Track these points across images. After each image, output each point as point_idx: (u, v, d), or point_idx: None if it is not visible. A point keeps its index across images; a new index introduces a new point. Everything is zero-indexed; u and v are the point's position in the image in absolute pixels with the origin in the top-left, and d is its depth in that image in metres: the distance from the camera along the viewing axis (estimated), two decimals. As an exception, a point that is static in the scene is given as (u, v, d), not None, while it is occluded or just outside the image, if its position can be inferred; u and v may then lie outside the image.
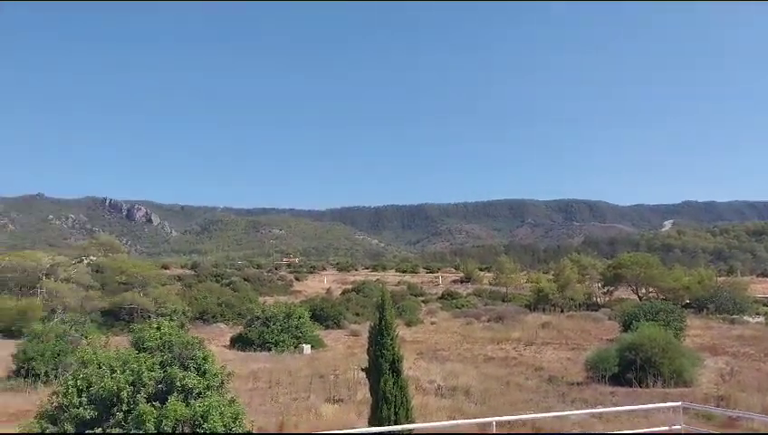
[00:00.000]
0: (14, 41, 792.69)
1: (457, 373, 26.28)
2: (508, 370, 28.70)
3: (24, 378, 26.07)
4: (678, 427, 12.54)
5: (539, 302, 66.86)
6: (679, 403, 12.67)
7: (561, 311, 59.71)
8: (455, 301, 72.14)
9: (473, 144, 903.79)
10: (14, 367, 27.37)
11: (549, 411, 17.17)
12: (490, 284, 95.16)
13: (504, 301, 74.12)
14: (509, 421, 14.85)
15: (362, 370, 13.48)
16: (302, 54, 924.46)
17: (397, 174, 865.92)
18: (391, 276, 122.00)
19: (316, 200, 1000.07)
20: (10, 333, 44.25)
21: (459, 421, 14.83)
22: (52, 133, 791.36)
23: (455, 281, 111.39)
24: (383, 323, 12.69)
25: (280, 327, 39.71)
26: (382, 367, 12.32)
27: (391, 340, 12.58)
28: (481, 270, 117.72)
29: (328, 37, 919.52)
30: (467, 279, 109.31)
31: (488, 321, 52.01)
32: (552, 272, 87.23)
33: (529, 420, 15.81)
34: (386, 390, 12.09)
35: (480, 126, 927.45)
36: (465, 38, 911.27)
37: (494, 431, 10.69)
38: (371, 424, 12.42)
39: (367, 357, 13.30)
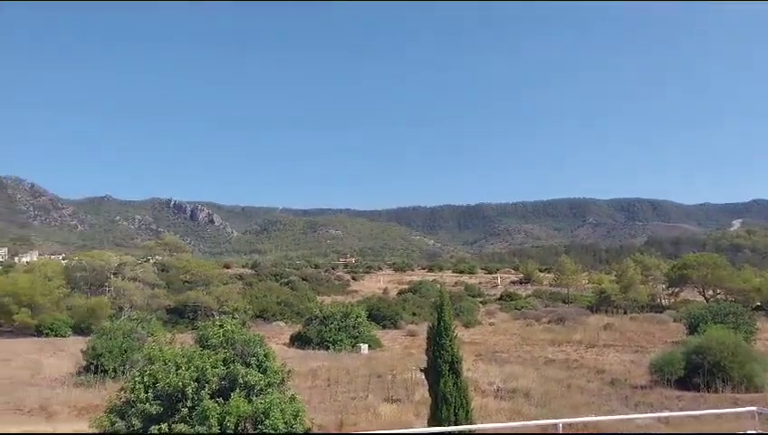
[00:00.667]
0: (84, 47, 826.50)
1: (517, 375, 25.94)
2: (569, 372, 28.16)
3: (94, 374, 27.04)
4: (753, 432, 12.01)
5: (601, 303, 65.38)
6: (753, 408, 12.11)
7: (624, 312, 58.22)
8: (514, 302, 71.27)
9: (531, 142, 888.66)
10: (84, 363, 28.44)
11: (612, 415, 16.77)
12: (550, 285, 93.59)
13: (564, 302, 72.76)
14: (574, 423, 14.54)
15: (421, 370, 13.43)
16: (359, 56, 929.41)
17: (453, 173, 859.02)
18: (448, 277, 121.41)
19: (372, 200, 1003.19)
20: (81, 330, 46.09)
21: (524, 423, 14.62)
22: (119, 138, 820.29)
23: (513, 282, 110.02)
24: (442, 323, 12.61)
25: (337, 326, 40.06)
26: (441, 368, 12.25)
27: (450, 341, 12.49)
28: (541, 271, 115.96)
29: (379, 38, 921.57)
30: (527, 280, 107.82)
31: (548, 322, 51.15)
32: (615, 273, 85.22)
33: (593, 423, 15.43)
34: (445, 391, 12.01)
35: (538, 123, 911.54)
36: (516, 39, 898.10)
37: (560, 432, 10.45)
38: (431, 425, 12.36)
39: (425, 358, 13.24)
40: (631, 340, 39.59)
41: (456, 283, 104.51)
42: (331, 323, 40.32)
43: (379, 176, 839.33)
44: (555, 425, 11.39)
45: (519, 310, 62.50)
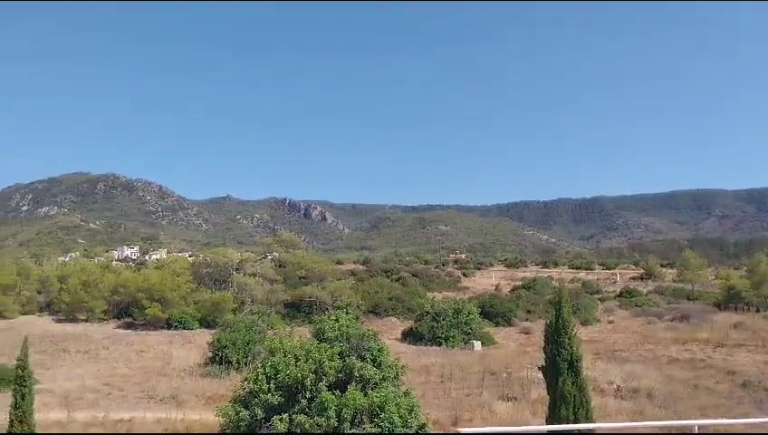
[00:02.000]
0: (205, 55, 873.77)
1: (638, 375, 24.76)
2: (695, 373, 26.53)
3: (219, 365, 28.50)
4: None
5: (730, 300, 60.99)
6: None
7: (757, 310, 54.04)
8: (634, 299, 68.01)
9: (650, 131, 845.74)
10: (210, 354, 30.03)
11: (746, 418, 15.62)
12: (673, 281, 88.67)
13: (689, 299, 68.58)
14: (705, 426, 13.65)
15: (538, 368, 13.07)
16: (466, 51, 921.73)
17: (567, 166, 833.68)
18: (564, 273, 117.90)
19: (482, 196, 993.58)
20: (207, 323, 48.72)
21: (660, 422, 13.92)
22: (238, 141, 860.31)
23: (633, 278, 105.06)
24: (560, 320, 12.22)
25: (449, 323, 39.89)
26: (560, 366, 11.86)
27: (569, 338, 12.07)
28: (663, 266, 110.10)
29: (486, 32, 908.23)
30: (648, 276, 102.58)
31: (672, 320, 48.45)
32: (745, 268, 79.31)
33: (724, 426, 14.40)
34: (564, 389, 11.62)
35: (659, 111, 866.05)
36: (645, 23, 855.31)
37: (696, 433, 9.84)
38: (549, 424, 12.01)
39: (541, 355, 12.90)
40: (765, 339, 36.65)
41: (572, 279, 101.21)
42: (443, 319, 40.21)
43: (490, 170, 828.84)
44: (691, 426, 10.77)
45: (639, 307, 59.59)
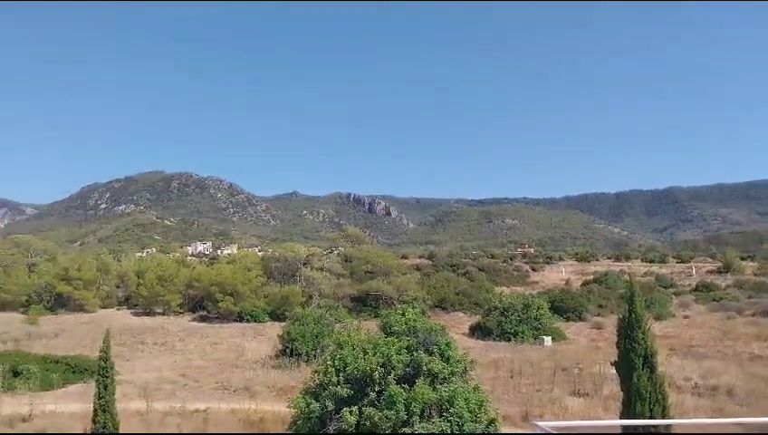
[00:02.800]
0: (279, 59, 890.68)
1: (717, 372, 23.83)
2: (780, 370, 25.28)
3: (289, 357, 29.08)
4: None
5: (817, 295, 57.88)
6: None
7: None
8: (711, 293, 65.33)
9: (725, 118, 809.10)
10: (280, 347, 30.67)
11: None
12: (754, 274, 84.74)
13: (771, 293, 65.38)
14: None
15: (611, 364, 12.77)
16: (531, 43, 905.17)
17: (639, 155, 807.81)
18: (637, 267, 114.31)
19: (550, 188, 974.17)
20: (276, 316, 49.78)
21: (740, 419, 13.40)
22: (305, 139, 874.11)
23: (710, 272, 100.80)
24: (633, 315, 11.88)
25: (518, 318, 39.42)
26: (634, 362, 11.54)
27: (643, 333, 11.73)
28: (742, 259, 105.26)
29: (564, 21, 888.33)
30: (726, 269, 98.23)
31: (753, 315, 46.37)
32: (835, 261, 75.08)
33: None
34: (639, 385, 11.31)
35: (735, 98, 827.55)
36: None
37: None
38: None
39: (613, 351, 12.60)
40: None
41: (645, 273, 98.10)
42: (512, 314, 39.76)
43: (558, 162, 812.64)
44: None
45: (717, 301, 57.23)
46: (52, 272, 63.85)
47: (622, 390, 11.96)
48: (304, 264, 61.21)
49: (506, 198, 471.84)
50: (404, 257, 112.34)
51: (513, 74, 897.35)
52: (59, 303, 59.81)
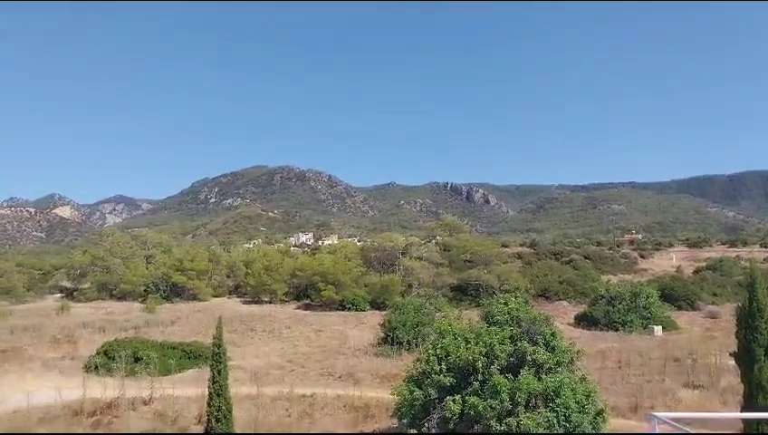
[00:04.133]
0: (374, 57, 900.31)
1: None
2: None
3: (391, 345, 29.45)
4: None
5: None
6: None
7: None
8: (842, 280, 60.26)
9: None
10: (381, 335, 31.12)
11: None
12: None
13: None
14: None
15: (730, 355, 12.07)
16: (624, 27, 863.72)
17: (756, 136, 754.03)
18: (756, 252, 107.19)
19: (658, 171, 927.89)
20: (377, 305, 50.48)
21: None
22: (402, 130, 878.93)
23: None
24: (754, 304, 11.16)
25: (626, 307, 38.01)
26: (755, 353, 10.85)
27: (765, 323, 11.00)
28: None
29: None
30: None
31: None
32: None
33: None
34: (762, 378, 10.63)
35: None
36: None
37: None
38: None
39: (732, 341, 11.90)
40: None
41: (765, 259, 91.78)
42: (619, 303, 38.40)
43: (666, 144, 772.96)
44: None
45: None
46: (168, 263, 67.74)
47: (743, 382, 11.30)
48: (403, 253, 61.61)
49: (612, 183, 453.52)
50: (504, 246, 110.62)
51: (618, 58, 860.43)
52: (174, 292, 63.34)
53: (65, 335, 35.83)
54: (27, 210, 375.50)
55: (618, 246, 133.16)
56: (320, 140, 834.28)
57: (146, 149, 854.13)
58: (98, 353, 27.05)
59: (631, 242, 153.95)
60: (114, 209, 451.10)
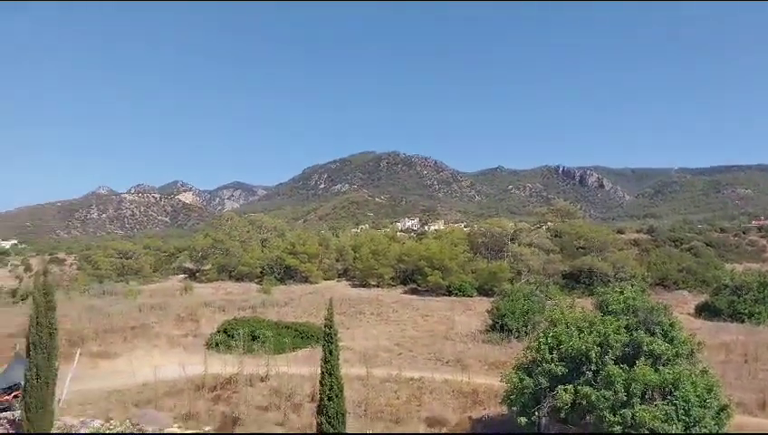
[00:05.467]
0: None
1: None
2: None
3: (499, 332, 29.15)
4: None
5: None
6: None
7: None
8: None
9: None
10: (489, 322, 30.86)
11: None
12: None
13: None
14: None
15: None
16: None
17: None
18: None
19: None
20: (484, 291, 50.11)
21: None
22: (511, 114, 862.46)
23: None
24: None
25: (753, 297, 35.64)
26: None
27: None
28: None
29: None
30: None
31: None
32: None
33: None
34: None
35: None
36: None
37: None
38: None
39: None
40: None
41: None
42: (746, 293, 36.05)
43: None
44: None
45: None
46: (282, 247, 70.48)
47: None
48: (511, 239, 60.66)
49: (738, 165, 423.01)
50: (620, 232, 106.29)
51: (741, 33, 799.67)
52: (287, 274, 65.83)
53: (188, 314, 38.13)
54: (153, 196, 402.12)
55: (744, 233, 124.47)
56: (426, 126, 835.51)
57: (261, 138, 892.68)
58: (218, 332, 28.64)
59: (759, 228, 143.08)
60: (232, 195, 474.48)
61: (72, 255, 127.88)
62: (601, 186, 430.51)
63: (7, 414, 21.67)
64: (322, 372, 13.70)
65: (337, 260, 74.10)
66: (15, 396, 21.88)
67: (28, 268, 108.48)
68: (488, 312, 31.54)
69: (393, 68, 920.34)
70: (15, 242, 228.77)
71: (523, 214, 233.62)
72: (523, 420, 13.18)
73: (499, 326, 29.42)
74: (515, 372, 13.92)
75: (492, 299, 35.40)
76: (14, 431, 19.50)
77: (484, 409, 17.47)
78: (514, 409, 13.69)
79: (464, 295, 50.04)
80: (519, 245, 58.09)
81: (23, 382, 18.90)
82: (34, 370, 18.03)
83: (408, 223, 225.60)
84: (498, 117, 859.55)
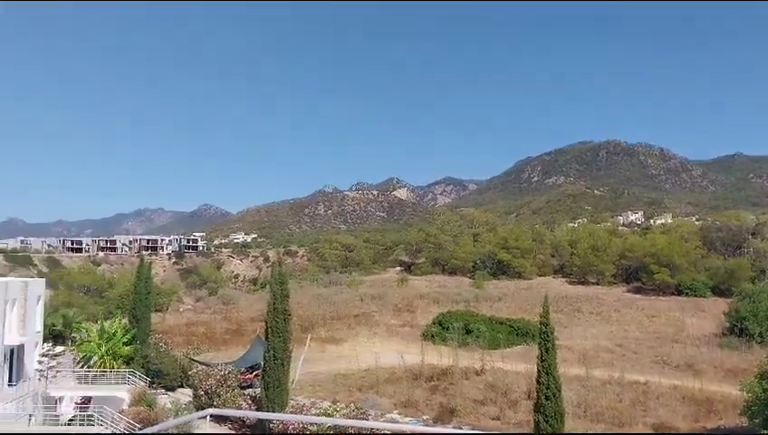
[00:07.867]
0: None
1: None
2: None
3: (738, 336, 26.39)
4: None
5: None
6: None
7: None
8: None
9: None
10: (726, 325, 28.07)
11: None
12: None
13: None
14: None
15: None
16: None
17: None
18: None
19: None
20: (720, 292, 45.56)
21: None
22: (749, 94, 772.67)
23: None
24: None
25: None
26: None
27: None
28: None
29: None
30: None
31: None
32: None
33: None
34: None
35: None
36: None
37: None
38: None
39: None
40: None
41: None
42: None
43: None
44: None
45: None
46: (493, 241, 70.57)
47: None
48: (753, 234, 54.47)
49: None
50: None
51: None
52: (500, 269, 65.74)
53: (405, 305, 39.88)
54: (371, 193, 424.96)
55: None
56: (648, 111, 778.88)
57: (472, 132, 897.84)
58: (433, 323, 29.59)
59: None
60: (444, 190, 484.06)
61: (303, 247, 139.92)
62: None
63: (249, 391, 24.48)
64: (539, 371, 13.56)
65: (552, 256, 72.32)
66: (256, 375, 24.64)
67: (266, 259, 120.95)
68: (725, 314, 28.81)
69: (619, 52, 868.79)
70: (255, 236, 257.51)
71: (765, 206, 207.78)
72: (765, 433, 11.88)
73: (738, 330, 26.67)
74: (758, 382, 12.55)
75: (729, 300, 32.29)
76: (255, 407, 21.96)
77: (720, 419, 15.98)
78: (756, 421, 12.39)
79: (695, 295, 46.04)
80: (762, 240, 52.00)
81: (262, 363, 21.22)
82: (272, 352, 20.16)
83: (631, 217, 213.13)
84: (735, 97, 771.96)
